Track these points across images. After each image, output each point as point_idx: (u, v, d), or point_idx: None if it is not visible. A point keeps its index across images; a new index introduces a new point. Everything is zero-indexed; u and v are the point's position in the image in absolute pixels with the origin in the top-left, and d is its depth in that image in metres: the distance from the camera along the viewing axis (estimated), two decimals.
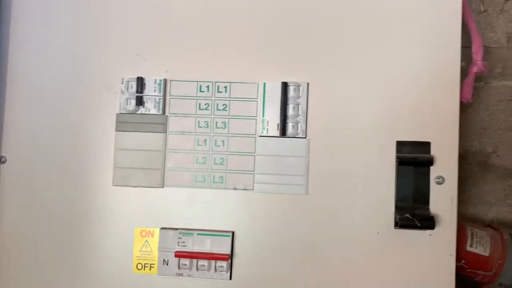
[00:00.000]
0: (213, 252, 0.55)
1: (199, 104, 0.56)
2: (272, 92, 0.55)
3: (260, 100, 0.56)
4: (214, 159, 0.56)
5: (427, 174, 0.53)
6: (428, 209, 0.53)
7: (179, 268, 0.55)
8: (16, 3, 0.59)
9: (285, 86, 0.55)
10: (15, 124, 0.58)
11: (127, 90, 0.57)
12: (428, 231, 0.53)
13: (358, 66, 0.55)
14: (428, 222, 0.52)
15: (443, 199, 0.53)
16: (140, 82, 0.56)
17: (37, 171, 0.58)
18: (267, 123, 0.55)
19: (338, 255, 0.54)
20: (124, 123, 0.57)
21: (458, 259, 0.56)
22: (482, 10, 0.70)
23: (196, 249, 0.55)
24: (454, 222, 0.53)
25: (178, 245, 0.55)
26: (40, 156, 0.58)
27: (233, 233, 0.55)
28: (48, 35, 0.59)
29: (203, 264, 0.55)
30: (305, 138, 0.55)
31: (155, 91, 0.57)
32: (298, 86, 0.55)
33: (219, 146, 0.56)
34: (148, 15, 0.57)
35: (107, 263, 0.57)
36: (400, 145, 0.54)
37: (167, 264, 0.56)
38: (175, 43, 0.57)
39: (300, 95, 0.55)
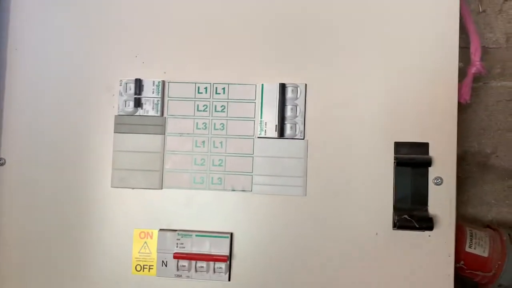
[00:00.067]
0: (211, 253, 0.55)
1: (197, 105, 0.57)
2: (270, 94, 0.55)
3: (258, 101, 0.56)
4: (213, 160, 0.56)
5: (425, 175, 0.53)
6: (426, 210, 0.53)
7: (178, 269, 0.55)
8: (15, 4, 0.59)
9: (283, 87, 0.55)
10: (14, 126, 0.58)
11: (126, 92, 0.57)
12: (427, 232, 0.53)
13: (356, 68, 0.55)
14: (426, 223, 0.52)
15: (441, 200, 0.53)
16: (139, 83, 0.57)
17: (36, 173, 0.58)
18: (265, 125, 0.55)
19: (336, 256, 0.54)
20: (122, 124, 0.57)
21: (457, 260, 0.56)
22: (480, 10, 0.70)
23: (195, 250, 0.55)
24: (452, 223, 0.53)
25: (177, 247, 0.55)
26: (39, 158, 0.58)
27: (231, 234, 0.55)
28: (47, 38, 0.59)
29: (202, 265, 0.55)
30: (303, 139, 0.55)
31: (153, 92, 0.57)
32: (296, 87, 0.55)
33: (217, 147, 0.56)
34: (147, 17, 0.58)
35: (106, 264, 0.57)
36: (398, 146, 0.54)
37: (166, 266, 0.56)
38: (173, 45, 0.57)
39: (298, 96, 0.55)
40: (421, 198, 0.53)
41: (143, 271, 0.56)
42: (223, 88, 0.56)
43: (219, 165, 0.56)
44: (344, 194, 0.54)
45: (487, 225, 0.67)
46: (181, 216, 0.56)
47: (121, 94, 0.57)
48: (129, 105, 0.57)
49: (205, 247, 0.55)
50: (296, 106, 0.55)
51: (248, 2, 0.56)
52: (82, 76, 0.58)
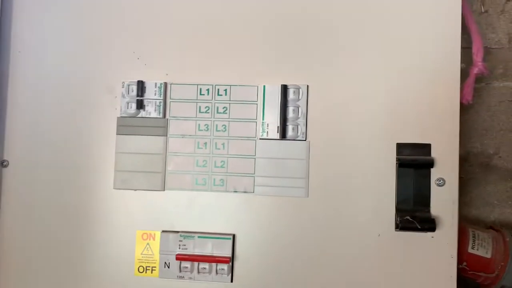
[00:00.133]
0: (214, 255, 0.55)
1: (199, 107, 0.57)
2: (272, 95, 0.55)
3: (260, 102, 0.56)
4: (215, 162, 0.56)
5: (427, 176, 0.53)
6: (428, 211, 0.53)
7: (180, 271, 0.55)
8: (17, 8, 0.59)
9: (284, 88, 0.55)
10: (17, 128, 0.59)
11: (128, 93, 0.57)
12: (429, 233, 0.53)
13: (358, 69, 0.55)
14: (428, 224, 0.52)
15: (444, 201, 0.53)
16: (141, 85, 0.57)
17: (39, 175, 0.58)
18: (267, 126, 0.55)
19: (339, 257, 0.54)
20: (125, 126, 0.57)
21: (460, 261, 0.56)
22: (482, 10, 0.70)
23: (197, 252, 0.55)
24: (455, 224, 0.53)
25: (179, 248, 0.55)
26: (42, 159, 0.58)
27: (233, 235, 0.55)
28: (50, 41, 0.59)
29: (204, 267, 0.55)
30: (305, 140, 0.55)
31: (155, 94, 0.57)
32: (297, 88, 0.55)
33: (219, 149, 0.56)
34: (149, 19, 0.58)
35: (109, 266, 0.57)
36: (401, 147, 0.54)
37: (168, 267, 0.56)
38: (175, 47, 0.57)
39: (299, 97, 0.55)
40: (424, 199, 0.53)
41: (146, 272, 0.56)
42: (225, 90, 0.56)
43: (221, 166, 0.56)
44: (346, 195, 0.54)
45: (490, 226, 0.67)
46: (184, 218, 0.56)
47: (123, 96, 0.57)
48: (131, 107, 0.57)
49: (208, 248, 0.55)
50: (298, 107, 0.55)
51: (249, 4, 0.56)
52: (85, 78, 0.58)
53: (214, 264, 0.55)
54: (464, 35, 0.54)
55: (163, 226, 0.56)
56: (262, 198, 0.55)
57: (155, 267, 0.56)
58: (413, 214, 0.52)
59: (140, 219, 0.57)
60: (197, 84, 0.57)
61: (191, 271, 0.55)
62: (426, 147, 0.53)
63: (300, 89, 0.55)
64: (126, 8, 0.58)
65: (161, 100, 0.57)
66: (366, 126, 0.54)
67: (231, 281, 0.55)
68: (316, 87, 0.55)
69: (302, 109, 0.55)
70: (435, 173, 0.53)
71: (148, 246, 0.56)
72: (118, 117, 0.57)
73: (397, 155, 0.54)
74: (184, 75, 0.57)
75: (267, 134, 0.55)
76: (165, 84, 0.57)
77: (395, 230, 0.53)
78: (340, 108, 0.55)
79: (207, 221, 0.56)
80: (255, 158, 0.56)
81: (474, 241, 0.60)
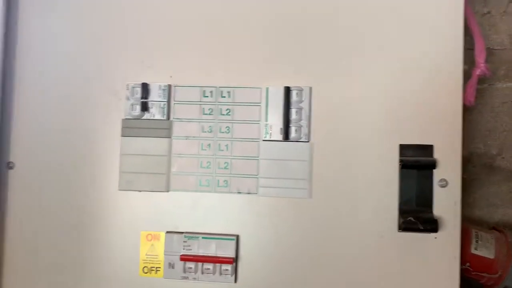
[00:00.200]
0: (218, 255, 0.55)
1: (203, 109, 0.57)
2: (275, 97, 0.56)
3: (263, 104, 0.56)
4: (218, 163, 0.56)
5: (430, 177, 0.53)
6: (431, 212, 0.53)
7: (184, 271, 0.56)
8: (22, 11, 0.60)
9: (287, 90, 0.55)
10: (23, 130, 0.59)
11: (132, 96, 0.58)
12: (432, 234, 0.53)
13: (360, 70, 0.55)
14: (431, 225, 0.52)
15: (446, 202, 0.53)
16: (145, 88, 0.57)
17: (44, 176, 0.59)
18: (270, 128, 0.56)
19: (342, 258, 0.54)
20: (129, 128, 0.58)
21: (463, 261, 0.56)
22: (485, 11, 0.70)
23: (201, 252, 0.55)
24: (458, 225, 0.53)
25: (184, 249, 0.56)
26: (48, 161, 0.59)
27: (237, 236, 0.56)
28: (55, 44, 0.60)
29: (208, 267, 0.55)
30: (308, 142, 0.55)
31: (159, 96, 0.57)
32: (300, 90, 0.55)
33: (223, 150, 0.56)
34: (152, 22, 0.58)
35: (114, 266, 0.57)
36: (403, 148, 0.54)
37: (172, 268, 0.56)
38: (179, 49, 0.58)
39: (302, 99, 0.55)
40: (426, 200, 0.53)
41: (150, 273, 0.57)
42: (228, 92, 0.57)
43: (225, 168, 0.56)
44: (349, 196, 0.54)
45: (493, 227, 0.67)
46: (188, 219, 0.57)
47: (128, 98, 0.58)
48: (135, 109, 0.57)
49: (212, 249, 0.55)
50: (301, 109, 0.55)
51: (252, 6, 0.57)
52: (90, 81, 0.59)
53: (218, 265, 0.55)
54: (467, 37, 0.54)
55: (167, 227, 0.57)
56: (266, 199, 0.56)
57: (159, 267, 0.57)
58: (416, 215, 0.52)
59: (145, 220, 0.57)
60: (201, 86, 0.57)
61: (195, 272, 0.56)
62: (429, 148, 0.54)
63: (303, 91, 0.55)
64: (130, 11, 0.59)
65: (165, 102, 0.57)
66: (369, 127, 0.55)
67: (235, 281, 0.55)
68: (319, 88, 0.56)
69: (305, 111, 0.55)
70: (437, 174, 0.53)
71: (152, 246, 0.57)
72: (122, 119, 0.58)
73: (399, 156, 0.54)
74: (188, 77, 0.57)
75: (270, 135, 0.56)
76: (169, 86, 0.57)
77: (398, 231, 0.53)
78: (343, 109, 0.55)
79: (211, 222, 0.56)
80: (258, 160, 0.56)
81: (477, 241, 0.60)
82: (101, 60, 0.59)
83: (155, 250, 0.57)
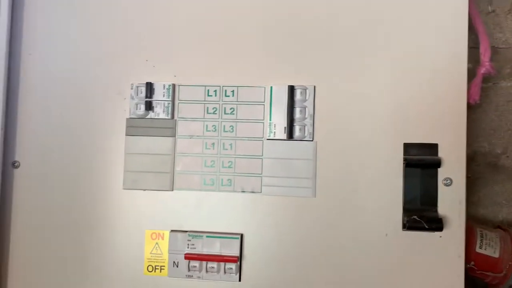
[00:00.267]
0: (222, 254, 0.55)
1: (207, 108, 0.57)
2: (279, 96, 0.56)
3: (267, 103, 0.56)
4: (222, 162, 0.57)
5: (434, 176, 0.53)
6: (436, 211, 0.53)
7: (189, 270, 0.56)
8: (28, 11, 0.60)
9: (291, 89, 0.55)
10: (28, 129, 0.60)
11: (137, 95, 0.58)
12: (437, 233, 0.53)
13: (365, 69, 0.55)
14: (436, 224, 0.52)
15: (451, 200, 0.53)
16: (149, 87, 0.57)
17: (49, 175, 0.59)
18: (274, 126, 0.56)
19: (346, 257, 0.54)
20: (134, 127, 0.58)
21: (468, 260, 0.56)
22: (490, 10, 0.70)
23: (206, 251, 0.56)
24: (462, 224, 0.53)
25: (188, 247, 0.56)
26: (52, 160, 0.59)
27: (241, 235, 0.56)
28: (59, 43, 0.60)
29: (213, 266, 0.55)
30: (312, 141, 0.55)
31: (164, 96, 0.57)
32: (304, 89, 0.55)
33: (227, 149, 0.57)
34: (157, 21, 0.58)
35: (118, 265, 0.58)
36: (408, 147, 0.54)
37: (177, 266, 0.56)
38: (183, 49, 0.58)
39: (306, 98, 0.55)
40: (431, 199, 0.53)
41: (155, 271, 0.57)
42: (232, 91, 0.57)
43: (229, 167, 0.56)
44: (353, 195, 0.54)
45: (498, 226, 0.67)
46: (192, 217, 0.57)
47: (132, 97, 0.58)
48: (140, 108, 0.58)
49: (216, 248, 0.55)
50: (305, 108, 0.55)
51: (256, 5, 0.57)
52: (94, 80, 0.59)
53: (222, 264, 0.55)
54: (471, 35, 0.54)
55: (171, 226, 0.57)
56: (270, 198, 0.56)
57: (164, 266, 0.57)
58: (421, 214, 0.52)
59: (149, 218, 0.57)
60: (205, 86, 0.57)
61: (200, 270, 0.56)
62: (433, 147, 0.53)
63: (307, 90, 0.55)
64: (135, 11, 0.59)
65: (169, 101, 0.57)
66: (373, 126, 0.55)
67: (239, 280, 0.56)
68: (323, 87, 0.55)
69: (309, 110, 0.55)
70: (442, 173, 0.53)
71: (157, 245, 0.57)
72: (127, 118, 0.58)
73: (404, 155, 0.54)
74: (192, 77, 0.58)
75: (274, 134, 0.56)
76: (173, 85, 0.58)
77: (403, 230, 0.53)
78: (347, 108, 0.55)
79: (215, 221, 0.56)
80: (262, 159, 0.56)
81: (481, 240, 0.59)
82: (105, 59, 0.59)
83: (160, 249, 0.57)
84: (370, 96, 0.55)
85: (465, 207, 0.53)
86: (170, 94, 0.57)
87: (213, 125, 0.57)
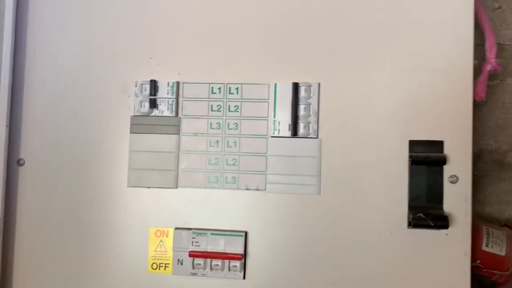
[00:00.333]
0: (226, 251, 0.55)
1: (211, 105, 0.57)
2: (283, 93, 0.56)
3: (271, 101, 0.56)
4: (227, 160, 0.57)
5: (440, 173, 0.53)
6: (441, 208, 0.52)
7: (193, 267, 0.56)
8: (33, 9, 0.61)
9: (296, 86, 0.55)
10: (33, 127, 0.60)
11: (141, 92, 0.58)
12: (443, 231, 0.52)
13: (370, 66, 0.55)
14: (441, 221, 0.51)
15: (457, 198, 0.53)
16: (154, 84, 0.57)
17: (54, 173, 0.59)
18: (279, 124, 0.56)
19: (351, 255, 0.54)
20: (138, 125, 0.58)
21: (474, 258, 0.56)
22: (496, 7, 0.69)
23: (210, 249, 0.55)
24: (468, 222, 0.52)
25: (192, 245, 0.56)
26: (57, 158, 0.59)
27: (246, 233, 0.56)
28: (64, 41, 0.60)
29: (217, 263, 0.55)
30: (316, 138, 0.55)
31: (168, 93, 0.57)
32: (309, 86, 0.55)
33: (231, 147, 0.56)
34: (161, 19, 0.58)
35: (123, 263, 0.58)
36: (413, 144, 0.54)
37: (181, 264, 0.56)
38: (187, 46, 0.58)
39: (311, 95, 0.55)
40: (436, 196, 0.53)
41: (159, 269, 0.57)
42: (237, 88, 0.57)
43: (233, 164, 0.56)
44: (358, 192, 0.54)
45: (504, 224, 0.67)
46: (196, 215, 0.57)
47: (136, 95, 0.58)
48: (144, 106, 0.58)
49: (220, 245, 0.55)
50: (309, 105, 0.55)
51: (261, 2, 0.57)
52: (99, 78, 0.59)
53: (226, 261, 0.55)
54: (477, 32, 0.54)
55: (176, 223, 0.57)
56: (274, 196, 0.56)
57: (168, 264, 0.57)
58: (426, 212, 0.52)
59: (154, 216, 0.57)
60: (209, 83, 0.57)
61: (204, 268, 0.56)
62: (439, 144, 0.53)
63: (311, 87, 0.55)
64: (139, 9, 0.59)
65: (173, 99, 0.57)
66: (378, 123, 0.54)
67: (244, 277, 0.56)
68: (328, 84, 0.55)
69: (313, 107, 0.55)
70: (448, 170, 0.53)
71: (161, 243, 0.57)
72: (131, 116, 0.58)
73: (409, 152, 0.53)
74: (196, 74, 0.58)
75: (279, 132, 0.56)
76: (178, 83, 0.57)
77: (408, 228, 0.53)
78: (352, 105, 0.55)
79: (219, 219, 0.56)
80: (266, 156, 0.56)
81: (488, 238, 0.59)
82: (109, 57, 0.59)
83: (164, 246, 0.57)
84: (376, 93, 0.54)
85: (471, 205, 0.52)
86: (174, 92, 0.57)
87: (217, 123, 0.57)
